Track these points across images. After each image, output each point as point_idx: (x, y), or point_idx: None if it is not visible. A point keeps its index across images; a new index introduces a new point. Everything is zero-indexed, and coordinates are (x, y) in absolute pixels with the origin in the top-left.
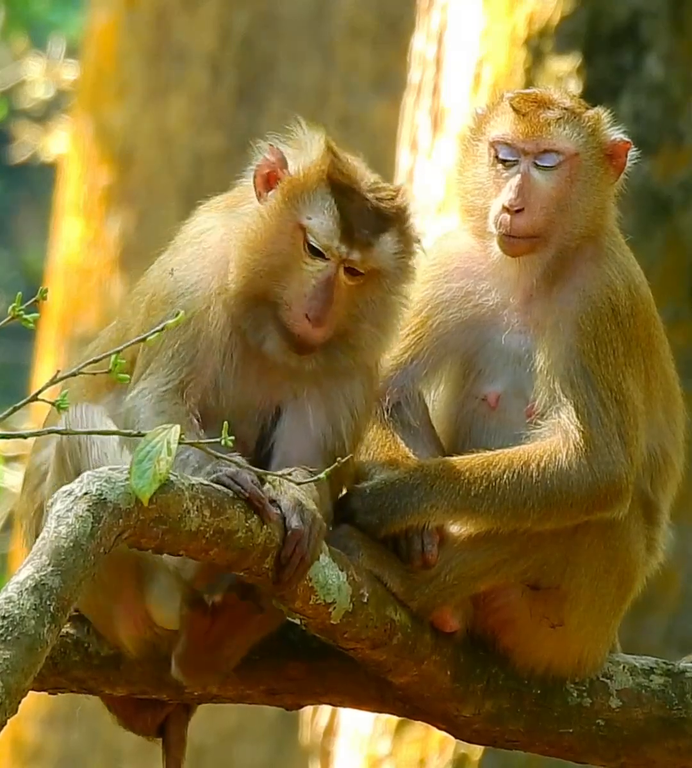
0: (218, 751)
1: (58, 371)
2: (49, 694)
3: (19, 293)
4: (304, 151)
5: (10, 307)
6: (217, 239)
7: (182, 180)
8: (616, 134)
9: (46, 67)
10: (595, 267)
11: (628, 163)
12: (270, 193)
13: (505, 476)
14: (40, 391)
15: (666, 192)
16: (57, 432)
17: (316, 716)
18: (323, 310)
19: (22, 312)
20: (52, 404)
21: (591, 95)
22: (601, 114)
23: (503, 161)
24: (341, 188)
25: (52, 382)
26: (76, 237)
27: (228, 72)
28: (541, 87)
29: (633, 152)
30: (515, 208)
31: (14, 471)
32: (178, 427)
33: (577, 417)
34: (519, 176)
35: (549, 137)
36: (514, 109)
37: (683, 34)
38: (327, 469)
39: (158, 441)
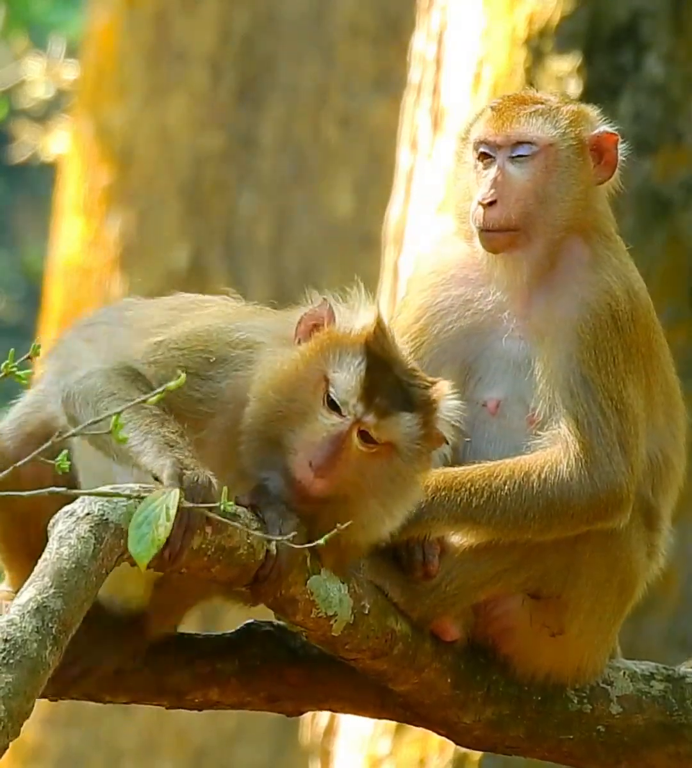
0: (218, 752)
1: (84, 426)
2: (50, 700)
3: (12, 350)
4: (353, 314)
5: (3, 364)
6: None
7: (181, 180)
8: (601, 127)
9: (46, 67)
10: (593, 273)
11: (621, 157)
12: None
13: (506, 487)
14: (53, 440)
15: (666, 192)
16: (56, 493)
17: (316, 717)
18: (328, 462)
19: (15, 369)
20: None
21: (591, 95)
22: (585, 108)
23: (483, 160)
24: (374, 358)
25: (76, 432)
26: (76, 237)
27: (228, 72)
28: (541, 88)
29: (623, 146)
30: (487, 201)
31: None
32: (177, 491)
33: (577, 427)
34: (493, 170)
35: (519, 128)
36: (491, 109)
37: (683, 34)
38: (327, 535)
39: (157, 505)
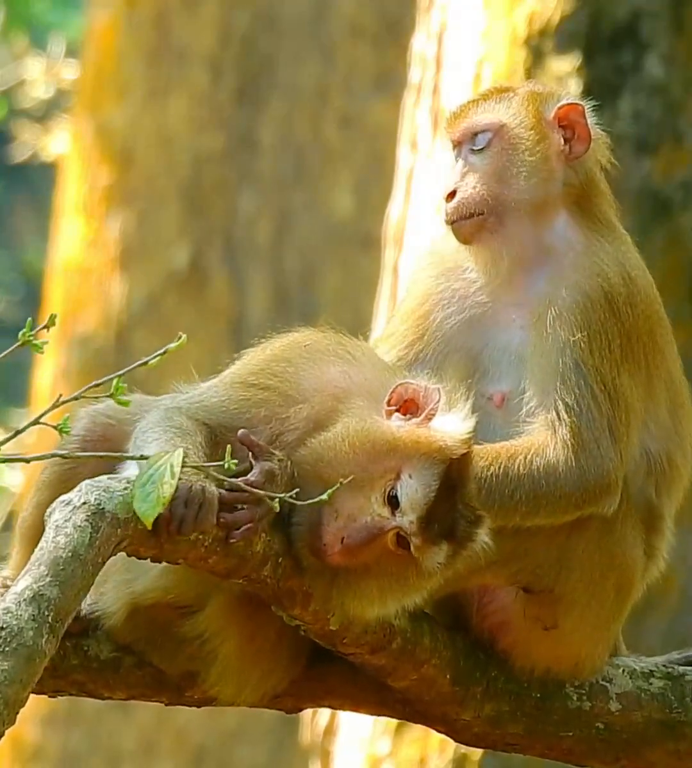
0: (218, 751)
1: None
2: (49, 697)
3: (30, 319)
4: (451, 418)
5: (21, 333)
6: (347, 381)
7: (181, 180)
8: (564, 99)
9: (46, 67)
10: (585, 258)
11: (593, 126)
12: (405, 418)
13: (491, 469)
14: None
15: (666, 192)
16: (59, 456)
17: (316, 716)
18: (358, 548)
19: (31, 338)
20: (55, 428)
21: (591, 95)
22: (549, 88)
23: (455, 160)
24: (449, 481)
25: (72, 398)
26: (76, 237)
27: (228, 72)
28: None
29: (591, 115)
30: (447, 193)
31: (14, 471)
32: (181, 450)
33: (567, 411)
34: (455, 166)
35: (470, 120)
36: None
37: (683, 34)
38: (330, 490)
39: (162, 464)
